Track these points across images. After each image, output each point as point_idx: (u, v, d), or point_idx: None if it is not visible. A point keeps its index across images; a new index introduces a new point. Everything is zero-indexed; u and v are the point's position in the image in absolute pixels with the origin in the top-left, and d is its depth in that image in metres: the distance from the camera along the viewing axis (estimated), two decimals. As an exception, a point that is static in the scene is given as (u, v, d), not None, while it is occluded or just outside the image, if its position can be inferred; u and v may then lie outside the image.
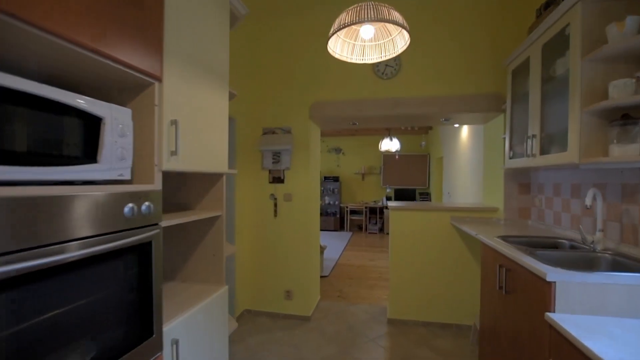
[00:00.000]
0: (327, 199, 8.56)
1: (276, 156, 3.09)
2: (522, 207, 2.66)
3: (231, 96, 1.93)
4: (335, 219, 8.34)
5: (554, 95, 1.83)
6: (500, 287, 1.72)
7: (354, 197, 8.85)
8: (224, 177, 1.66)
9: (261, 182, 3.15)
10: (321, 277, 4.38)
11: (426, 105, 2.81)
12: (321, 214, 8.51)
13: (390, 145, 4.97)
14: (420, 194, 8.08)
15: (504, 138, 2.58)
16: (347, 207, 8.15)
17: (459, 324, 2.88)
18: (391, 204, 3.17)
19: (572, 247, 1.85)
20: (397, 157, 6.20)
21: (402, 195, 8.27)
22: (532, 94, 2.00)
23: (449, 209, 2.91)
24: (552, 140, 1.83)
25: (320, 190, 8.56)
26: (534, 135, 1.93)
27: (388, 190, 8.20)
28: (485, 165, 3.16)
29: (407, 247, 3.00)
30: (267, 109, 3.14)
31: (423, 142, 6.91)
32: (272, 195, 3.12)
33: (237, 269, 2.99)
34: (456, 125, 4.91)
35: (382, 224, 8.23)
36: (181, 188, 1.71)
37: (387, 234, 7.85)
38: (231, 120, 2.92)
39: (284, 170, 3.09)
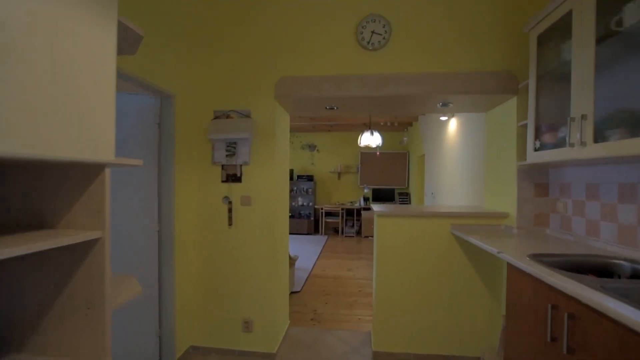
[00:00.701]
0: (300, 200, 7.89)
1: (231, 147, 2.38)
2: (539, 213, 2.15)
3: (132, 40, 1.20)
4: (309, 221, 7.69)
5: (621, 55, 1.29)
6: (554, 340, 1.15)
7: (329, 197, 8.25)
8: (107, 172, 0.95)
9: (211, 181, 2.42)
10: (292, 293, 3.71)
11: (421, 84, 2.22)
12: (294, 216, 7.83)
13: (370, 140, 4.41)
14: (400, 194, 7.62)
15: (523, 126, 2.05)
16: (322, 209, 7.53)
17: (462, 357, 2.33)
18: (377, 208, 2.56)
19: (637, 272, 1.32)
20: (378, 153, 5.69)
21: (381, 195, 7.78)
22: (577, 60, 1.45)
23: (449, 215, 2.35)
24: (618, 121, 1.28)
25: (293, 190, 7.88)
26: (583, 117, 1.38)
27: (366, 191, 7.68)
28: (488, 161, 2.64)
29: (396, 262, 2.41)
30: (220, 85, 2.42)
31: (405, 138, 6.42)
32: (225, 198, 2.40)
33: (178, 294, 2.26)
34: (443, 118, 4.43)
35: (360, 226, 7.69)
36: (33, 189, 0.97)
37: (365, 237, 7.32)
38: (167, 97, 2.18)
39: (241, 166, 2.39)
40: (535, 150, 1.77)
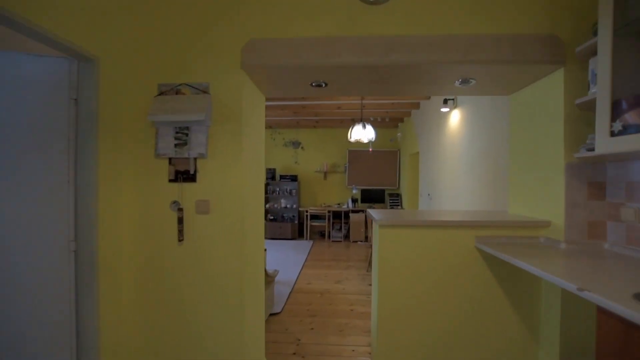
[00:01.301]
0: (283, 202, 7.26)
1: (182, 134, 1.74)
2: (594, 221, 1.63)
3: None
4: (292, 225, 7.07)
5: None
6: None
7: (314, 199, 7.65)
8: None
9: (154, 180, 1.77)
10: (270, 315, 3.09)
11: (438, 50, 1.66)
12: (276, 220, 7.19)
13: (362, 134, 3.86)
14: (390, 195, 7.12)
15: (582, 104, 1.52)
16: (306, 212, 6.93)
17: (489, 411, 1.79)
18: (376, 215, 1.99)
19: None
20: (370, 149, 5.14)
21: (370, 196, 7.25)
22: None
23: (472, 225, 1.80)
24: None
25: (275, 191, 7.24)
26: None
27: (354, 192, 7.14)
28: (513, 156, 2.11)
29: (403, 286, 1.84)
30: (167, 49, 1.78)
31: (399, 134, 5.87)
32: (175, 203, 1.76)
33: (104, 339, 1.60)
34: (444, 110, 3.92)
35: (348, 230, 7.13)
36: None
37: (354, 242, 6.77)
38: (87, 61, 1.52)
39: (195, 160, 1.75)
40: (614, 134, 1.24)
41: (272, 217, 7.24)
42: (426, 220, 1.85)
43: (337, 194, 7.58)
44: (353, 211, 6.87)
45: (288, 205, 7.27)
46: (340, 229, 7.06)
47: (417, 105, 5.53)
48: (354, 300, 3.52)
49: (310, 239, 7.11)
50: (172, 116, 1.68)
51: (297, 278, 4.30)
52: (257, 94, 2.07)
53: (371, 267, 4.66)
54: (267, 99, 4.38)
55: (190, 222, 1.75)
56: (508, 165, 2.22)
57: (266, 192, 7.29)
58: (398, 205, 6.95)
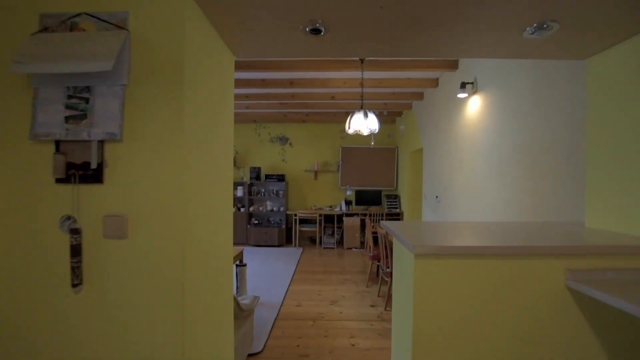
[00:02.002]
0: (269, 205, 6.51)
1: (78, 99, 1.00)
2: None
3: None
4: (280, 230, 6.33)
5: None
6: None
7: (304, 201, 6.93)
8: None
9: (29, 179, 1.03)
10: (249, 356, 2.36)
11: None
12: (261, 224, 6.43)
13: (363, 124, 3.16)
14: (388, 197, 6.47)
15: None
16: (295, 215, 6.19)
17: None
18: (400, 230, 1.30)
19: None
20: (372, 143, 4.46)
21: (366, 198, 6.59)
22: None
23: (560, 253, 1.13)
24: None
25: (260, 192, 6.50)
26: None
27: (348, 193, 6.45)
28: (594, 145, 1.46)
29: (451, 341, 1.15)
30: (55, -44, 1.03)
31: (402, 127, 5.17)
32: (66, 220, 1.02)
33: None
34: (462, 96, 3.27)
35: (341, 235, 6.44)
36: None
37: (348, 249, 6.08)
38: None
39: (102, 145, 1.02)
40: None
41: (256, 222, 6.48)
42: (491, 246, 1.16)
43: (329, 196, 6.89)
44: (347, 215, 6.19)
45: (274, 208, 6.53)
46: (332, 235, 6.36)
47: (420, 96, 4.89)
48: (354, 329, 2.83)
49: (300, 245, 6.38)
50: (57, 65, 0.94)
51: (284, 298, 3.58)
52: (220, 47, 1.34)
53: (371, 283, 3.98)
54: (242, 68, 3.63)
55: (93, 253, 1.01)
56: (567, 161, 1.56)
57: (250, 194, 6.53)
58: (396, 207, 6.31)
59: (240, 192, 6.50)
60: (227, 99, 1.45)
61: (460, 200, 3.47)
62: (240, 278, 3.34)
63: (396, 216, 6.18)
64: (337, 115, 6.17)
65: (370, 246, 3.95)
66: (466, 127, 3.33)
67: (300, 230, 6.21)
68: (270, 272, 4.54)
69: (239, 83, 4.24)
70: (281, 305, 3.35)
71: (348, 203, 6.52)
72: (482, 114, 2.99)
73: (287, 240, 6.57)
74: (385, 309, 3.23)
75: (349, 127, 3.28)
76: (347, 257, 5.56)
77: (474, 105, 3.16)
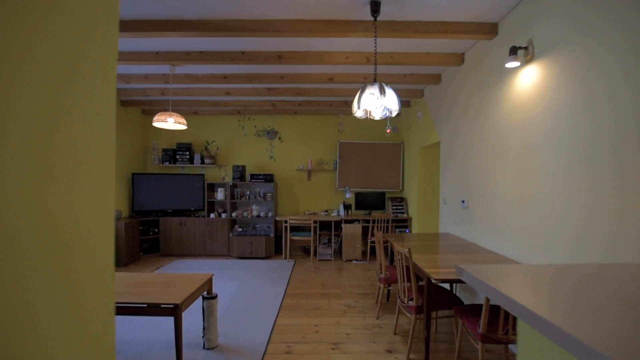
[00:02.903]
0: (255, 210, 5.57)
1: None
2: None
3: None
4: (267, 240, 5.40)
5: None
6: None
7: (296, 205, 6.02)
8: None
9: None
10: None
11: None
12: (246, 234, 5.49)
13: (375, 103, 2.27)
14: (392, 199, 5.61)
15: None
16: (285, 222, 5.27)
17: None
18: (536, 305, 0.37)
19: None
20: (388, 130, 3.55)
21: (367, 201, 5.71)
22: None
23: None
24: None
25: (245, 195, 5.58)
26: None
27: (348, 196, 5.56)
28: None
29: None
30: None
31: (419, 114, 4.18)
32: None
33: None
34: (512, 65, 2.41)
35: (339, 245, 5.55)
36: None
37: (348, 261, 5.19)
38: None
39: None
40: None
41: (240, 230, 5.54)
42: None
43: (325, 199, 5.99)
44: (346, 221, 5.30)
45: (262, 214, 5.59)
46: (329, 244, 5.47)
47: (436, 79, 4.04)
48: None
49: (291, 257, 5.46)
50: None
51: (269, 338, 2.66)
52: None
53: (383, 311, 3.10)
54: (214, 29, 2.64)
55: None
56: None
57: (232, 197, 5.58)
58: (403, 212, 5.46)
59: (220, 194, 5.55)
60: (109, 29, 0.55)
61: (502, 207, 2.61)
62: (209, 314, 2.44)
63: (403, 223, 5.32)
64: (334, 105, 5.28)
65: (382, 265, 3.07)
66: (514, 110, 2.48)
67: (291, 240, 5.29)
68: (252, 296, 3.61)
69: (212, 56, 3.31)
70: (265, 352, 2.44)
71: (347, 207, 5.63)
72: (546, 88, 2.14)
73: (276, 250, 5.64)
74: (408, 358, 2.35)
75: (358, 107, 2.38)
76: (347, 271, 4.67)
77: (529, 79, 2.31)
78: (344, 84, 4.30)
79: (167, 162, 5.71)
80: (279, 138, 5.41)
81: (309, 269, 4.83)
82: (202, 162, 5.74)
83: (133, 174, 5.40)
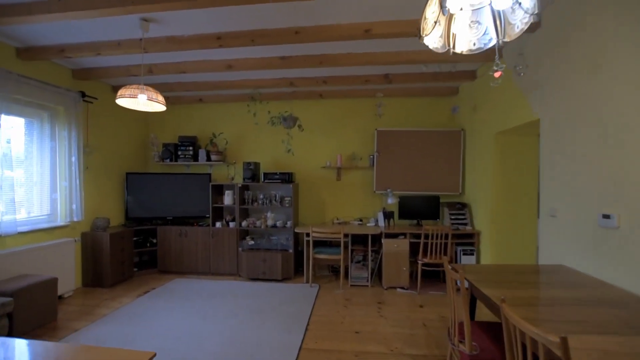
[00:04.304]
0: (270, 218, 4.43)
1: None
2: None
3: None
4: (285, 257, 4.23)
5: None
6: None
7: (321, 212, 4.80)
8: None
9: None
10: None
11: None
12: (259, 248, 4.36)
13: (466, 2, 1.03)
14: (449, 205, 4.19)
15: None
16: (308, 234, 4.05)
17: None
18: None
19: None
20: (498, 74, 2.19)
21: (415, 209, 4.34)
22: None
23: None
24: None
25: (257, 200, 4.47)
26: None
27: (390, 201, 4.23)
28: None
29: None
30: None
31: (499, 67, 2.71)
32: None
33: None
34: None
35: (378, 264, 4.24)
36: None
37: (390, 288, 3.87)
38: None
39: None
40: None
41: (252, 243, 4.42)
42: None
43: (359, 204, 4.70)
44: (387, 235, 3.98)
45: (278, 223, 4.44)
46: (363, 263, 4.18)
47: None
48: None
49: (315, 281, 4.25)
50: None
51: None
52: None
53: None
54: None
55: None
56: None
57: (243, 202, 4.49)
58: (465, 223, 4.02)
59: (228, 198, 4.48)
60: None
61: None
62: None
63: (467, 239, 3.89)
64: (371, 81, 3.97)
65: (461, 326, 1.75)
66: None
67: (315, 257, 4.07)
68: (250, 351, 2.43)
69: (186, -6, 2.18)
70: None
71: (388, 216, 4.30)
72: None
73: (297, 269, 4.45)
74: None
75: (428, 30, 1.09)
76: (390, 308, 3.35)
77: None
78: (385, 42, 3.01)
79: (168, 160, 4.76)
80: (299, 126, 4.22)
81: (337, 301, 3.58)
82: (208, 159, 4.72)
83: (127, 174, 4.51)
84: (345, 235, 3.99)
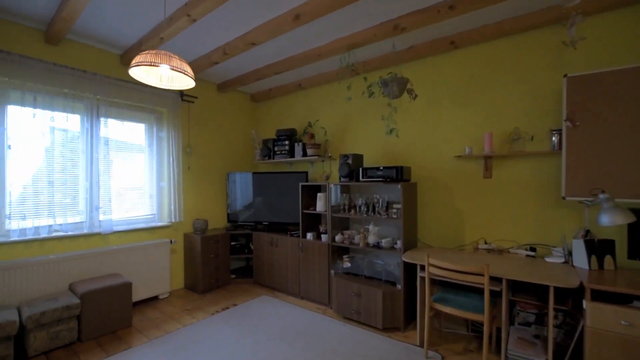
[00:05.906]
0: (371, 233, 3.08)
1: None
2: None
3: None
4: (390, 294, 2.78)
5: None
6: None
7: (456, 230, 3.01)
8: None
9: None
10: None
11: None
12: (356, 274, 3.10)
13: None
14: None
15: None
16: (422, 269, 2.43)
17: None
18: None
19: None
20: None
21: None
22: None
23: None
24: None
25: (354, 207, 3.23)
26: None
27: (604, 220, 2.04)
28: None
29: None
30: None
31: None
32: None
33: None
34: None
35: (575, 342, 2.12)
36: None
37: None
38: None
39: None
40: None
41: (348, 266, 3.21)
42: None
43: (530, 221, 2.64)
44: (597, 292, 1.86)
45: (383, 242, 3.02)
46: (536, 331, 2.18)
47: None
48: None
49: (437, 345, 2.57)
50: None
51: None
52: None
53: None
54: None
55: None
56: None
57: (338, 208, 3.35)
58: None
59: (320, 203, 3.46)
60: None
61: None
62: None
63: None
64: (543, 14, 1.99)
65: None
66: None
67: (435, 309, 2.41)
68: None
69: None
70: None
71: (598, 248, 2.10)
72: None
73: (409, 316, 2.90)
74: None
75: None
76: None
77: None
78: None
79: (267, 157, 4.24)
80: (409, 92, 2.67)
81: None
82: (304, 154, 3.87)
83: (228, 174, 4.27)
84: (496, 280, 2.15)
